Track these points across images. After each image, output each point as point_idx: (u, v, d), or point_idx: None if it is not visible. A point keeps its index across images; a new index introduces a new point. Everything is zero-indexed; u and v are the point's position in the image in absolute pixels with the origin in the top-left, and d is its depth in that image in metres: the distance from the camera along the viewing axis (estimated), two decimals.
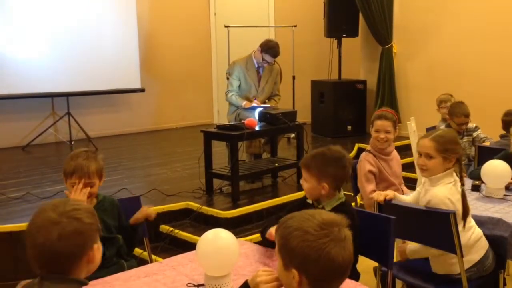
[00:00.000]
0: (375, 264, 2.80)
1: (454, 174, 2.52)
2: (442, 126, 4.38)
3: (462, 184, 2.57)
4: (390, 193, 2.68)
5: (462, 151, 2.55)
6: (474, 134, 4.29)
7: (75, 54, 6.50)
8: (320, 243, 1.35)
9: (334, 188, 2.24)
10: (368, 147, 3.43)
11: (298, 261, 1.38)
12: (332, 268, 1.36)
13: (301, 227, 1.38)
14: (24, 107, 6.47)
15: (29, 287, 1.45)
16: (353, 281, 1.92)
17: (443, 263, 2.53)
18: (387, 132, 3.29)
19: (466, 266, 2.43)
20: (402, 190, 3.36)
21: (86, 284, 1.51)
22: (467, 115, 4.19)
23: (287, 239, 1.40)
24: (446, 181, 2.49)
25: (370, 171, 3.26)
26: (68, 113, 6.53)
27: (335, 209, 2.17)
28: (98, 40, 6.70)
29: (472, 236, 2.47)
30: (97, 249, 1.53)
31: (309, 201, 2.31)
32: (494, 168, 2.91)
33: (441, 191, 2.45)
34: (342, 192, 2.28)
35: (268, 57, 4.84)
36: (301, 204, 2.33)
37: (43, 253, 1.44)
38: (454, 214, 2.35)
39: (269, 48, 4.82)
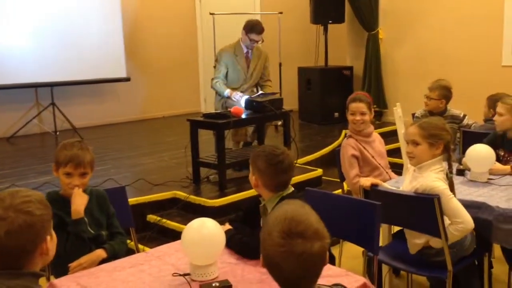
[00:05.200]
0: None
1: (442, 162, 2.54)
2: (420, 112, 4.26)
3: (451, 172, 2.58)
4: (376, 180, 2.72)
5: (450, 137, 2.56)
6: (464, 123, 4.09)
7: (59, 43, 6.41)
8: (273, 251, 1.33)
9: (265, 186, 2.16)
10: (347, 132, 3.47)
11: (263, 259, 1.38)
12: (282, 276, 1.34)
13: (270, 227, 1.35)
14: (8, 97, 6.37)
15: None
16: (339, 268, 1.94)
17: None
18: (362, 113, 3.33)
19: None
20: (389, 175, 3.38)
21: (42, 276, 1.46)
22: None
23: (262, 235, 1.39)
24: (434, 168, 2.50)
25: (353, 155, 3.30)
26: (53, 104, 6.46)
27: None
28: (82, 29, 6.59)
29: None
30: (50, 240, 1.47)
31: (261, 199, 2.24)
32: (478, 152, 2.95)
33: (430, 176, 2.46)
34: (288, 189, 2.20)
35: (254, 36, 4.81)
36: (253, 202, 2.32)
37: None
38: (439, 198, 2.36)
39: (253, 26, 4.80)
